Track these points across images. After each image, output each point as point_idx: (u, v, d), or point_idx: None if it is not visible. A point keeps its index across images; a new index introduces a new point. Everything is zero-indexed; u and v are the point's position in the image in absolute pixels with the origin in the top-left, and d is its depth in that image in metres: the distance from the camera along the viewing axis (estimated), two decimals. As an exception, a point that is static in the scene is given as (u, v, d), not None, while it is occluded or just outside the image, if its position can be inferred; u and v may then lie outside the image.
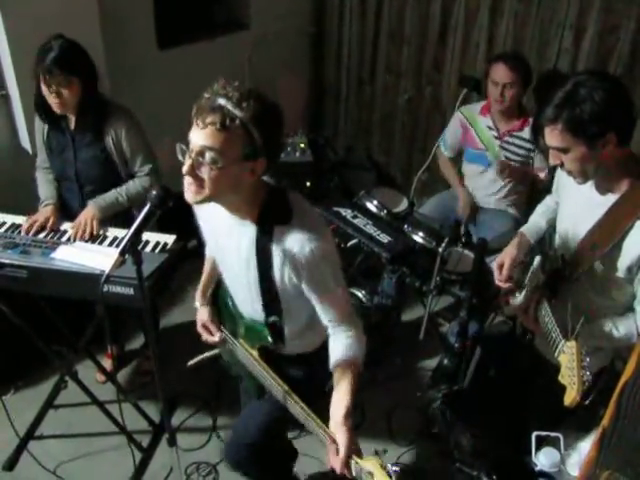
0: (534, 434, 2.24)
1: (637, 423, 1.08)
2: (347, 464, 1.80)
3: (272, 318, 2.10)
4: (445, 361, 3.44)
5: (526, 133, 3.57)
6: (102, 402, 3.24)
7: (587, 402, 1.95)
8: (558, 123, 2.00)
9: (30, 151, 3.70)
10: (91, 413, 3.30)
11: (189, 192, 1.80)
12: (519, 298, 2.42)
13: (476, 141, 3.77)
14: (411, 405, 3.58)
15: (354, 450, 1.81)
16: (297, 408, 2.00)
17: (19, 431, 3.18)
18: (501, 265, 2.53)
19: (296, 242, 1.86)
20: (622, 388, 1.06)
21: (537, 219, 2.71)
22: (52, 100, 2.87)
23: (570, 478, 2.13)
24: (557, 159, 2.11)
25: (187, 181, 1.78)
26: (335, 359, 1.99)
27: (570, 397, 1.92)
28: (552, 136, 2.05)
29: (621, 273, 2.14)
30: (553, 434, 2.21)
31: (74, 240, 2.89)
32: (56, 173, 3.20)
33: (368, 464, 1.72)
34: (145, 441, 3.32)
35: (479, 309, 3.25)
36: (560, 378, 1.98)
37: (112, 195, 3.04)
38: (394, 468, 1.67)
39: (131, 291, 2.52)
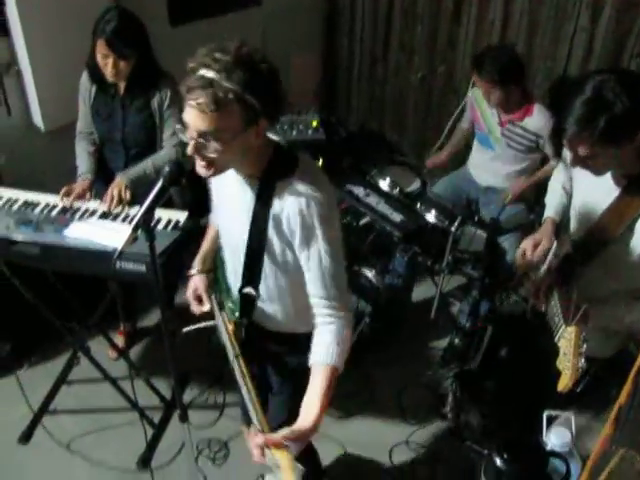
0: (545, 414, 2.24)
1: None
2: (263, 449, 1.71)
3: (247, 289, 2.03)
4: (456, 341, 3.44)
5: (528, 123, 3.52)
6: (114, 378, 3.28)
7: (578, 389, 1.95)
8: (589, 136, 1.90)
9: (43, 128, 3.71)
10: (103, 389, 3.34)
11: (200, 168, 1.78)
12: (535, 279, 2.41)
13: (481, 123, 3.76)
14: (422, 384, 3.59)
15: (276, 442, 1.70)
16: (239, 374, 1.97)
17: (33, 406, 3.23)
18: (530, 249, 2.46)
19: (294, 193, 1.80)
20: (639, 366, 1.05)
21: (559, 200, 2.61)
22: (107, 70, 2.89)
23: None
24: (579, 163, 2.04)
25: (196, 158, 1.76)
26: (314, 360, 1.88)
27: (562, 383, 1.92)
28: (581, 148, 1.96)
29: (633, 256, 2.12)
30: (564, 414, 2.20)
31: (108, 211, 2.88)
32: (101, 136, 3.21)
33: (279, 457, 1.67)
34: (157, 417, 3.35)
35: (491, 289, 3.25)
36: (557, 363, 1.98)
37: (139, 168, 3.04)
38: (299, 467, 1.64)
39: (143, 268, 2.52)
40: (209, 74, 1.62)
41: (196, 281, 2.37)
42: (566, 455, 2.09)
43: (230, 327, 2.14)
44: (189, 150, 1.73)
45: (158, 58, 3.06)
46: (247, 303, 2.08)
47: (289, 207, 1.81)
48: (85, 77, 3.11)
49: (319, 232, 1.83)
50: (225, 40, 1.68)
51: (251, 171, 1.88)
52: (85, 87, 3.13)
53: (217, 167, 1.78)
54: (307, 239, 1.84)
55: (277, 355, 2.24)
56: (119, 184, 2.94)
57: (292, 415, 1.84)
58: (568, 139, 1.97)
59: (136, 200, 2.92)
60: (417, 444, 3.33)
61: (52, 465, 3.18)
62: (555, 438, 2.16)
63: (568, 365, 1.94)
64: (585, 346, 1.96)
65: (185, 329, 2.34)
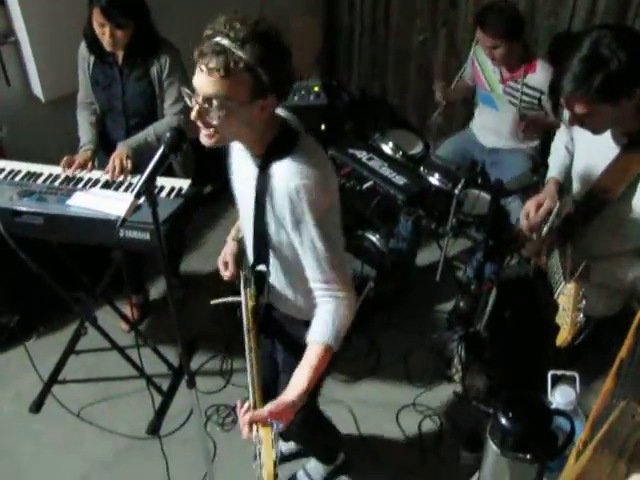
0: (550, 373, 2.25)
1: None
2: (251, 424, 1.73)
3: (260, 267, 2.03)
4: (461, 303, 3.45)
5: (531, 80, 3.49)
6: (122, 347, 3.30)
7: (577, 343, 1.96)
8: (585, 94, 1.90)
9: (43, 99, 3.69)
10: (111, 358, 3.38)
11: (203, 136, 1.77)
12: (537, 239, 2.41)
13: (483, 81, 3.73)
14: (427, 347, 3.62)
15: (263, 418, 1.71)
16: (247, 346, 1.97)
17: (43, 376, 3.26)
18: (533, 209, 2.45)
19: (285, 176, 1.77)
20: (640, 319, 1.06)
21: (562, 160, 2.60)
22: (104, 39, 2.88)
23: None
24: (577, 122, 2.04)
25: (199, 125, 1.75)
26: (310, 337, 1.87)
27: (561, 337, 1.93)
28: (577, 106, 1.95)
29: (636, 214, 2.11)
30: (569, 373, 2.21)
31: (111, 180, 2.89)
32: (101, 106, 3.21)
33: (262, 432, 1.68)
34: (165, 385, 3.39)
35: (495, 251, 3.24)
36: (556, 319, 1.99)
37: (141, 136, 3.05)
38: (282, 448, 1.66)
39: (147, 236, 2.53)
40: (224, 41, 1.61)
41: (227, 247, 2.37)
42: (570, 413, 2.10)
43: (251, 303, 2.13)
44: (192, 115, 1.71)
45: (156, 26, 3.03)
46: (260, 280, 2.08)
47: (279, 190, 1.79)
48: (83, 47, 3.10)
49: (309, 217, 1.79)
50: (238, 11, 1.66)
51: (256, 147, 1.86)
52: (83, 57, 3.12)
53: (219, 137, 1.76)
54: (297, 225, 1.81)
55: (289, 335, 2.25)
56: (120, 153, 2.94)
57: None
58: (565, 97, 1.96)
59: (138, 169, 2.92)
60: (424, 406, 3.36)
61: (63, 433, 3.23)
62: (560, 397, 2.17)
63: (567, 320, 1.95)
64: (584, 302, 1.97)
65: (213, 302, 2.35)
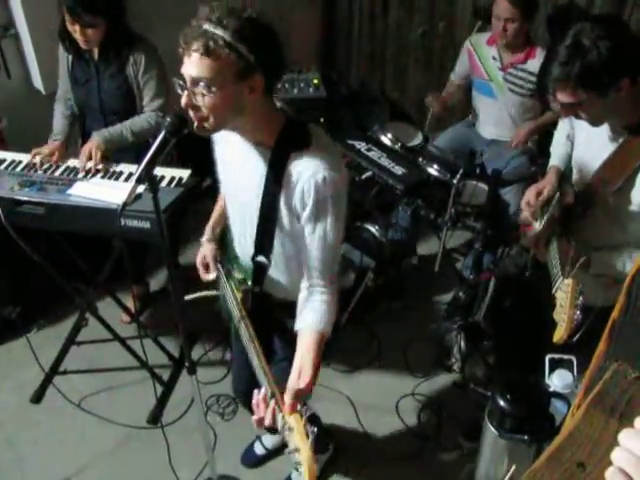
0: (548, 357, 2.27)
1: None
2: (274, 414, 1.74)
3: (260, 257, 2.04)
4: (460, 293, 3.47)
5: (531, 66, 3.50)
6: (123, 338, 3.32)
7: (574, 340, 1.97)
8: (568, 80, 1.93)
9: (43, 91, 3.70)
10: (112, 349, 3.40)
11: (196, 125, 1.78)
12: (536, 228, 2.42)
13: (481, 70, 3.74)
14: (427, 337, 3.64)
15: (293, 406, 1.72)
16: (246, 336, 1.99)
17: (44, 366, 3.27)
18: (533, 196, 2.47)
19: (310, 167, 1.80)
20: (632, 278, 1.07)
21: (563, 149, 2.61)
22: (77, 37, 2.89)
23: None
24: (570, 113, 2.07)
25: (191, 114, 1.76)
26: (306, 324, 1.92)
27: (558, 334, 1.95)
28: (564, 94, 1.98)
29: (635, 206, 2.12)
30: (566, 357, 2.24)
31: (83, 170, 2.92)
32: (80, 103, 3.23)
33: (291, 420, 1.69)
34: (165, 375, 3.41)
35: (494, 241, 3.26)
36: (554, 315, 2.00)
37: (117, 128, 3.06)
38: (313, 429, 1.67)
39: (147, 224, 2.55)
40: (204, 25, 1.64)
41: (205, 249, 2.40)
42: (568, 396, 2.13)
43: (239, 295, 2.17)
44: (182, 101, 1.73)
45: (131, 23, 3.06)
46: (259, 271, 2.09)
47: (305, 181, 1.80)
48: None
49: (330, 209, 1.84)
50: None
51: (260, 138, 1.87)
52: (63, 55, 3.15)
53: (212, 123, 1.76)
54: (317, 214, 1.84)
55: (281, 322, 2.26)
56: (91, 143, 2.98)
57: None
58: (550, 84, 1.99)
59: (109, 159, 2.98)
60: (423, 396, 3.38)
61: (64, 423, 3.25)
62: (557, 380, 2.20)
63: (564, 317, 1.96)
64: (581, 299, 1.98)
65: (187, 297, 2.38)
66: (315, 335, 1.89)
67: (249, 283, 2.14)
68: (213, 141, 2.07)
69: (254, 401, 1.79)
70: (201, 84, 1.68)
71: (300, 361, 1.86)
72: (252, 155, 1.91)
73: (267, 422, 1.75)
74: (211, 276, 2.36)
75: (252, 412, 1.89)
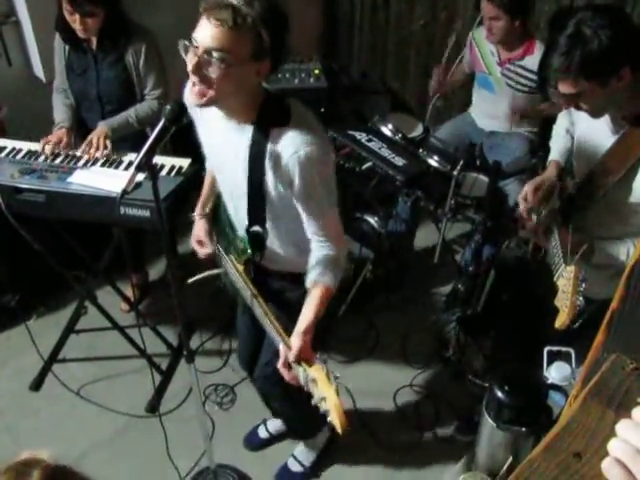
0: (546, 349, 2.28)
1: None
2: (293, 369, 1.88)
3: (255, 228, 2.09)
4: (459, 285, 3.46)
5: (528, 62, 3.48)
6: (122, 327, 3.32)
7: (576, 325, 1.98)
8: (569, 71, 1.92)
9: (44, 79, 3.69)
10: (111, 338, 3.41)
11: (194, 94, 1.77)
12: (535, 220, 2.42)
13: (480, 63, 3.73)
14: (425, 328, 3.64)
15: (304, 358, 1.87)
16: (260, 311, 2.04)
17: (43, 354, 3.27)
18: (531, 192, 2.46)
19: (291, 144, 1.83)
20: (631, 269, 1.07)
21: (563, 143, 2.60)
22: (76, 26, 2.88)
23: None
24: (571, 104, 2.06)
25: (193, 81, 1.75)
26: (311, 280, 2.00)
27: (560, 320, 1.95)
28: (565, 84, 1.97)
29: (635, 197, 2.12)
30: (565, 349, 2.24)
31: (91, 159, 2.91)
32: (77, 93, 3.21)
33: (313, 371, 1.76)
34: (164, 364, 3.42)
35: (493, 233, 3.26)
36: (555, 302, 2.01)
37: (123, 116, 3.07)
38: (336, 374, 1.72)
39: (147, 213, 2.55)
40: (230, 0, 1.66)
41: (198, 226, 2.43)
42: (566, 388, 2.14)
43: (240, 268, 2.19)
44: (190, 67, 1.72)
45: (131, 12, 3.06)
46: (256, 240, 2.13)
47: (287, 158, 1.84)
48: (58, 36, 3.11)
49: (318, 182, 1.89)
50: None
51: (244, 117, 1.90)
52: (59, 45, 3.13)
53: (211, 94, 1.77)
54: (305, 190, 1.89)
55: (279, 292, 2.30)
56: (100, 132, 2.97)
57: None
58: (552, 75, 1.99)
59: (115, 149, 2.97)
60: (421, 387, 3.39)
61: (62, 411, 3.26)
62: (555, 372, 2.20)
63: (566, 303, 1.96)
64: (584, 285, 1.98)
65: (190, 280, 2.38)
66: (319, 287, 1.98)
67: (249, 251, 2.16)
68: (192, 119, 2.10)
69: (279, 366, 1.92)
70: (215, 55, 1.68)
71: (303, 311, 1.97)
72: (233, 131, 1.94)
73: (286, 376, 1.91)
74: (207, 250, 2.39)
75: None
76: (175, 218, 2.75)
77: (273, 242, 2.16)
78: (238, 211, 2.15)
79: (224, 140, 1.99)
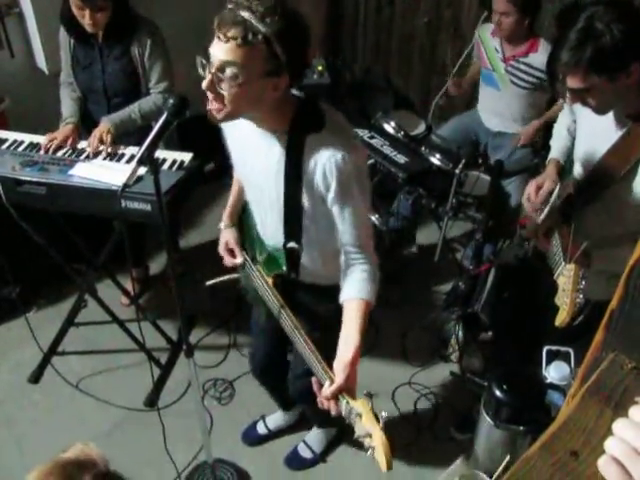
0: (545, 348, 2.28)
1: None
2: (336, 400, 1.77)
3: (291, 244, 2.04)
4: (459, 283, 3.46)
5: (533, 59, 3.47)
6: (122, 320, 3.32)
7: (576, 323, 1.98)
8: (579, 65, 1.91)
9: (47, 71, 3.69)
10: (111, 331, 3.41)
11: (212, 110, 1.75)
12: (537, 219, 2.42)
13: (485, 60, 3.72)
14: (425, 326, 3.63)
15: (347, 389, 1.77)
16: (289, 324, 2.01)
17: (42, 347, 3.27)
18: (533, 192, 2.46)
19: (329, 149, 1.79)
20: (631, 269, 1.07)
21: (563, 142, 2.60)
22: (85, 21, 2.88)
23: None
24: (577, 99, 2.04)
25: (209, 98, 1.74)
26: (348, 295, 1.94)
27: (560, 317, 1.95)
28: (574, 79, 1.96)
29: (636, 197, 2.11)
30: (564, 349, 2.24)
31: (92, 155, 2.91)
32: (82, 86, 3.21)
33: (358, 405, 1.68)
34: (163, 359, 3.42)
35: (494, 232, 3.26)
36: (556, 300, 2.00)
37: (126, 112, 3.06)
38: (383, 413, 1.66)
39: (148, 207, 2.55)
40: (244, 13, 1.61)
41: (226, 235, 2.40)
42: (565, 388, 2.14)
43: (270, 280, 2.17)
44: (204, 84, 1.70)
45: (137, 6, 3.06)
46: (292, 257, 2.09)
47: (325, 162, 1.80)
48: (63, 29, 3.10)
49: (355, 187, 1.85)
50: None
51: (275, 125, 1.86)
52: (65, 38, 3.13)
53: (228, 111, 1.74)
54: (343, 194, 1.85)
55: (307, 305, 2.26)
56: (102, 128, 2.97)
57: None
58: (560, 69, 1.97)
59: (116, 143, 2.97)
60: (420, 385, 3.38)
61: (61, 404, 3.26)
62: (554, 372, 2.20)
63: (566, 301, 1.96)
64: (584, 283, 1.99)
65: (208, 282, 2.40)
66: (358, 303, 1.92)
67: (284, 268, 2.12)
68: (220, 126, 2.05)
69: (319, 399, 1.81)
70: (228, 70, 1.66)
71: (345, 331, 1.89)
72: (266, 140, 1.90)
73: (333, 410, 1.78)
74: (238, 260, 2.36)
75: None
76: (176, 212, 2.75)
77: (306, 252, 2.11)
78: (265, 222, 2.13)
79: (256, 148, 1.95)
